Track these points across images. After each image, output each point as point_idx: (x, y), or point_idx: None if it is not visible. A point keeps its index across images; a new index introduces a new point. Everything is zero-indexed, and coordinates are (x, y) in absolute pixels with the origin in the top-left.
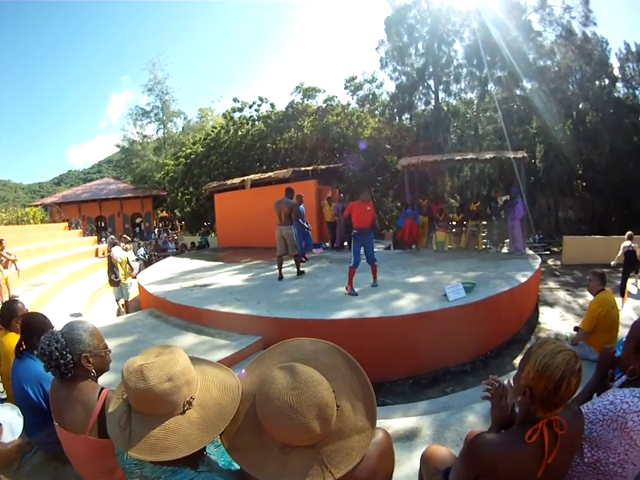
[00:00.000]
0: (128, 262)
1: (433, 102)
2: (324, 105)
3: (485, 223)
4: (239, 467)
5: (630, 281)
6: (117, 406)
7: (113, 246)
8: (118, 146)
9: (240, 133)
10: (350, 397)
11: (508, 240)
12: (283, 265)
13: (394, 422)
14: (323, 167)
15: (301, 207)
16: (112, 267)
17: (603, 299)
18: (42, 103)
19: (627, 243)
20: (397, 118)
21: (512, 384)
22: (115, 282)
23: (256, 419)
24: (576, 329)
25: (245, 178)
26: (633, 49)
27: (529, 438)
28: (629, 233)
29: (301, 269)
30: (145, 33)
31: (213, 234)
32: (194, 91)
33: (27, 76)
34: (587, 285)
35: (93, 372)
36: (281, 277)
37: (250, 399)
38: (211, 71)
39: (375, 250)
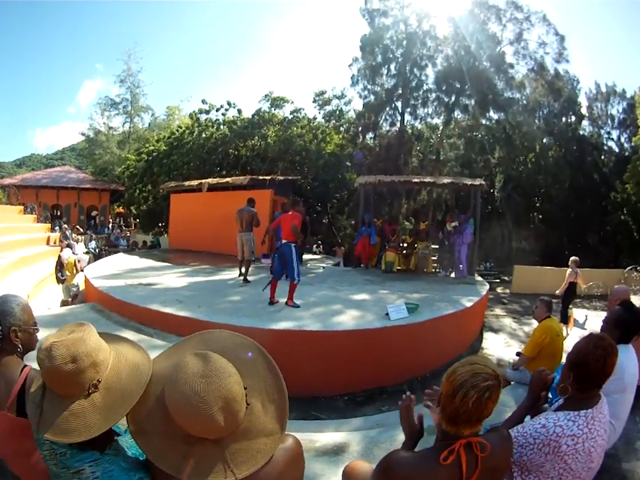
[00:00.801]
0: (75, 264)
1: (398, 124)
2: (290, 116)
3: (436, 246)
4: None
5: (583, 311)
6: (38, 384)
7: (66, 247)
8: (83, 134)
9: (204, 135)
10: (262, 397)
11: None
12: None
13: (322, 436)
14: (281, 177)
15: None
16: (60, 266)
17: (548, 327)
18: (13, 80)
19: (570, 270)
20: (361, 136)
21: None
22: (60, 280)
23: (165, 404)
24: (518, 354)
25: (203, 181)
26: (604, 89)
27: (445, 459)
28: (573, 258)
29: (248, 277)
30: (126, 22)
31: (165, 235)
32: (165, 88)
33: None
34: (532, 312)
35: (19, 348)
36: (240, 274)
37: (162, 382)
38: (184, 70)
39: (324, 265)
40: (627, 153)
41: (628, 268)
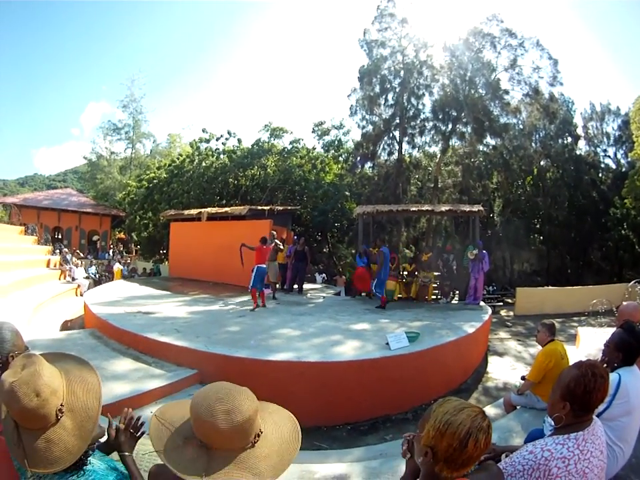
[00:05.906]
0: (121, 272)
1: (396, 153)
2: (289, 147)
3: (437, 274)
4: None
5: (589, 329)
6: (5, 417)
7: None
8: (85, 158)
9: (204, 164)
10: (275, 448)
11: (458, 291)
12: (231, 303)
13: (322, 467)
14: (280, 207)
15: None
16: (110, 273)
17: (552, 350)
18: (18, 97)
19: None
20: (360, 166)
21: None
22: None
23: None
24: (523, 377)
25: (202, 210)
26: (598, 108)
27: None
28: None
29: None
30: (136, 46)
31: (166, 262)
32: (167, 115)
33: (7, 66)
34: (535, 336)
35: None
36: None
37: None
38: (186, 98)
39: (325, 295)
40: (623, 169)
41: (632, 282)
